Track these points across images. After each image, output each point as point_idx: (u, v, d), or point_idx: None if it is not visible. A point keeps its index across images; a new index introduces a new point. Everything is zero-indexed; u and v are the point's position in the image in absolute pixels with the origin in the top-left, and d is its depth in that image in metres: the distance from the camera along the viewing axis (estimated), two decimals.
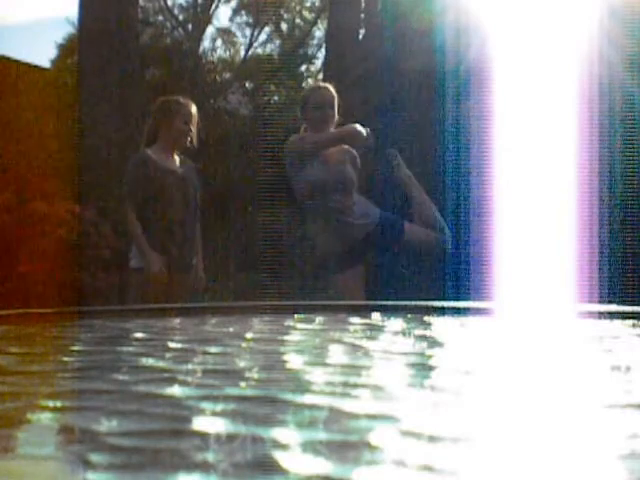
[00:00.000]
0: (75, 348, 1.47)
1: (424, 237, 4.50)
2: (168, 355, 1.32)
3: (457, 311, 1.99)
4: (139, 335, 1.62)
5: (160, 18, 13.05)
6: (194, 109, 4.60)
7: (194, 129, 4.57)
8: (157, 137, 4.56)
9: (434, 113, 6.55)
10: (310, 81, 13.66)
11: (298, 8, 14.09)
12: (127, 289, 4.82)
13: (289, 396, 0.96)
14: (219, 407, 0.90)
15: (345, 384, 1.03)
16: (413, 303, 2.10)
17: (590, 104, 5.21)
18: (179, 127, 4.51)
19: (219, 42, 14.34)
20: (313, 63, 13.67)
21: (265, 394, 0.98)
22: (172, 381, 1.03)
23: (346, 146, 4.52)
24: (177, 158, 4.58)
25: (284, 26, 14.22)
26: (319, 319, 1.86)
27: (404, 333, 1.62)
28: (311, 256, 4.92)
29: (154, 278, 4.37)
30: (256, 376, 1.12)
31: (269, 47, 14.26)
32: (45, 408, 0.93)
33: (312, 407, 0.91)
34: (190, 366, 1.20)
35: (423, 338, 1.55)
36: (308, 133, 4.59)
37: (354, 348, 1.37)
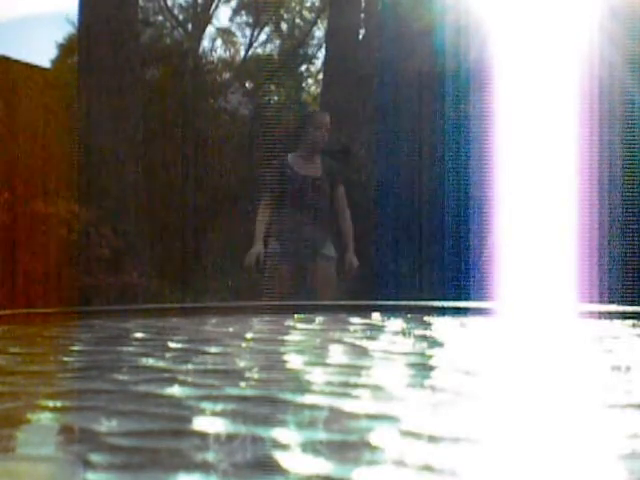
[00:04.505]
0: (75, 348, 1.47)
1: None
2: (168, 355, 1.32)
3: (457, 311, 1.99)
4: (139, 335, 1.62)
5: (160, 18, 13.04)
6: (327, 118, 5.18)
7: (326, 135, 5.09)
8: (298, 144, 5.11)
9: (434, 113, 6.55)
10: (310, 81, 13.66)
11: (298, 8, 14.08)
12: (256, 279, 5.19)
13: (289, 396, 0.96)
14: (219, 407, 0.90)
15: (345, 384, 1.03)
16: (413, 303, 2.10)
17: (591, 104, 5.21)
18: (314, 134, 5.01)
19: (219, 42, 14.33)
20: (313, 63, 13.66)
21: (265, 394, 0.98)
22: (172, 381, 1.03)
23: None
24: (317, 160, 5.04)
25: (284, 26, 14.21)
26: (319, 319, 1.86)
27: (404, 333, 1.61)
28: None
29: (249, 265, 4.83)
30: (256, 376, 1.12)
31: (269, 47, 14.24)
32: (45, 408, 0.93)
33: (312, 407, 0.91)
34: (190, 366, 1.20)
35: (423, 338, 1.55)
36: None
37: (354, 348, 1.37)
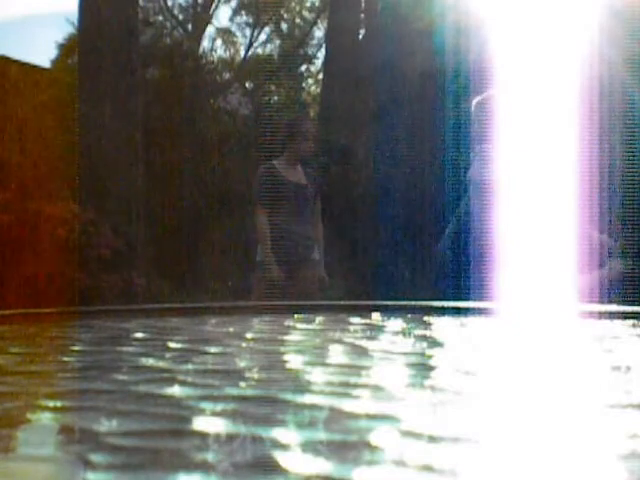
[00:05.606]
0: (75, 348, 1.47)
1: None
2: (168, 355, 1.32)
3: (457, 311, 1.99)
4: (139, 335, 1.62)
5: (160, 18, 13.04)
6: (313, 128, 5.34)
7: (313, 145, 5.22)
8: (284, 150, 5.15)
9: (434, 114, 6.56)
10: (310, 81, 13.66)
11: (298, 8, 14.08)
12: (252, 280, 5.32)
13: (289, 396, 0.96)
14: (219, 407, 0.90)
15: (345, 384, 1.03)
16: (413, 303, 2.10)
17: (591, 105, 5.21)
18: (301, 144, 5.07)
19: (219, 42, 14.34)
20: (313, 63, 13.66)
21: (265, 394, 0.98)
22: (172, 381, 1.03)
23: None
24: (300, 168, 5.10)
25: (284, 26, 14.21)
26: (319, 319, 1.86)
27: (404, 333, 1.61)
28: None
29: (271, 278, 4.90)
30: (256, 376, 1.12)
31: (269, 47, 14.25)
32: (45, 408, 0.93)
33: (312, 407, 0.90)
34: (190, 366, 1.20)
35: (423, 338, 1.55)
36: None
37: (354, 348, 1.37)
